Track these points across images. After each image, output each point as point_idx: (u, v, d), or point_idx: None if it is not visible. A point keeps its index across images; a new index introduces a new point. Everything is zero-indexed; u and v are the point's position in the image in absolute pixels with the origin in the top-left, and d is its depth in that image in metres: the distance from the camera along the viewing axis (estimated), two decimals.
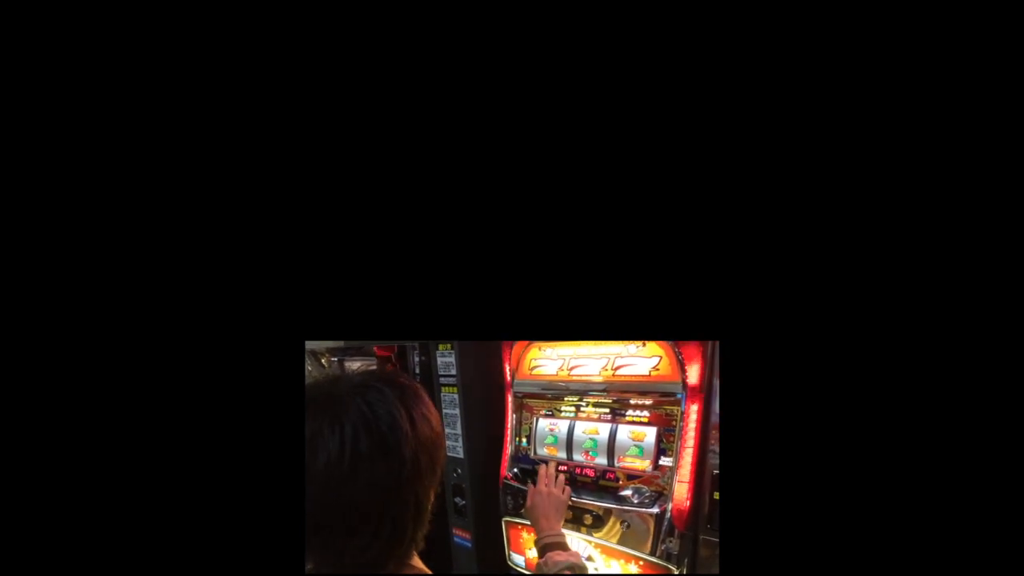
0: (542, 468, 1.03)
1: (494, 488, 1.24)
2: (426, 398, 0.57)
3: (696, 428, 0.90)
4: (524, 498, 1.13)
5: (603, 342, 1.05)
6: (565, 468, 1.11)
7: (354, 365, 1.89)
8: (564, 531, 1.00)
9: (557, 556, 0.84)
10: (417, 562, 0.57)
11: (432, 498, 0.57)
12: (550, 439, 1.17)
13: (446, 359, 1.42)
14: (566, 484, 1.00)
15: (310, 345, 1.99)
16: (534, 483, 1.00)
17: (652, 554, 0.92)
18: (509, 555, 1.22)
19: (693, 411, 0.91)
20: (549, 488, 0.97)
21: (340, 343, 1.95)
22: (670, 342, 0.94)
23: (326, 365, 2.05)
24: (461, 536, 1.40)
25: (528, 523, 1.12)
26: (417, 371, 1.58)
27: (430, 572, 0.57)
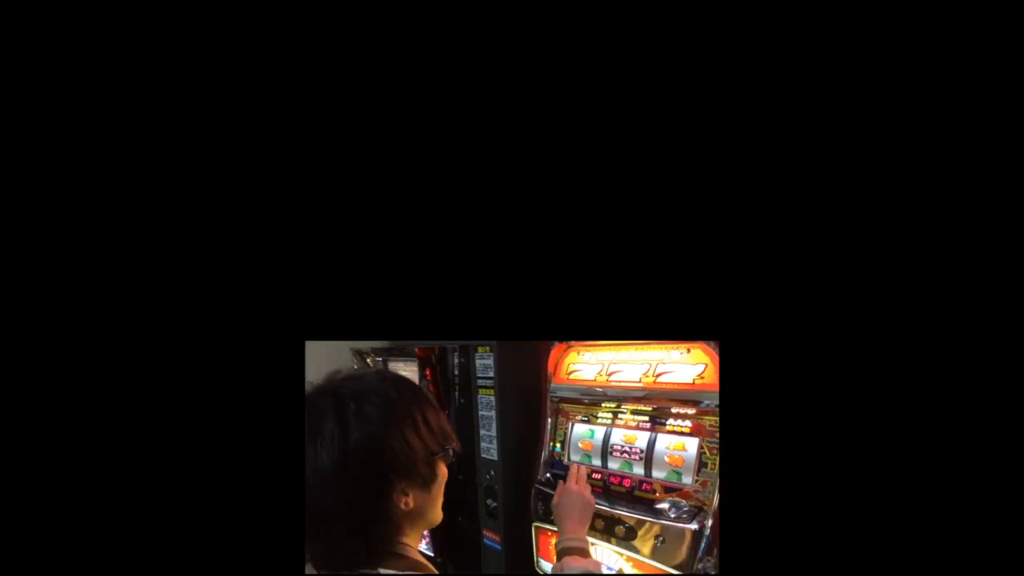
0: (574, 467, 1.00)
1: (526, 492, 1.21)
2: (430, 399, 0.60)
3: None
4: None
5: (645, 346, 1.01)
6: (599, 476, 1.08)
7: (397, 365, 1.92)
8: (595, 540, 0.97)
9: (573, 561, 0.80)
10: (415, 553, 0.58)
11: (437, 495, 0.59)
12: (584, 446, 1.14)
13: (484, 361, 1.42)
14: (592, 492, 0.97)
15: (355, 344, 2.05)
16: (564, 481, 0.97)
17: (688, 572, 0.87)
18: (537, 561, 1.19)
19: None
20: (580, 487, 0.93)
21: (385, 343, 1.99)
22: (715, 348, 0.90)
23: (371, 364, 2.10)
24: (491, 538, 1.38)
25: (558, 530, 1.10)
26: (456, 372, 1.59)
27: (427, 564, 0.58)
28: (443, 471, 0.59)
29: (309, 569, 0.57)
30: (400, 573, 0.54)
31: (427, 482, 0.57)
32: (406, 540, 0.57)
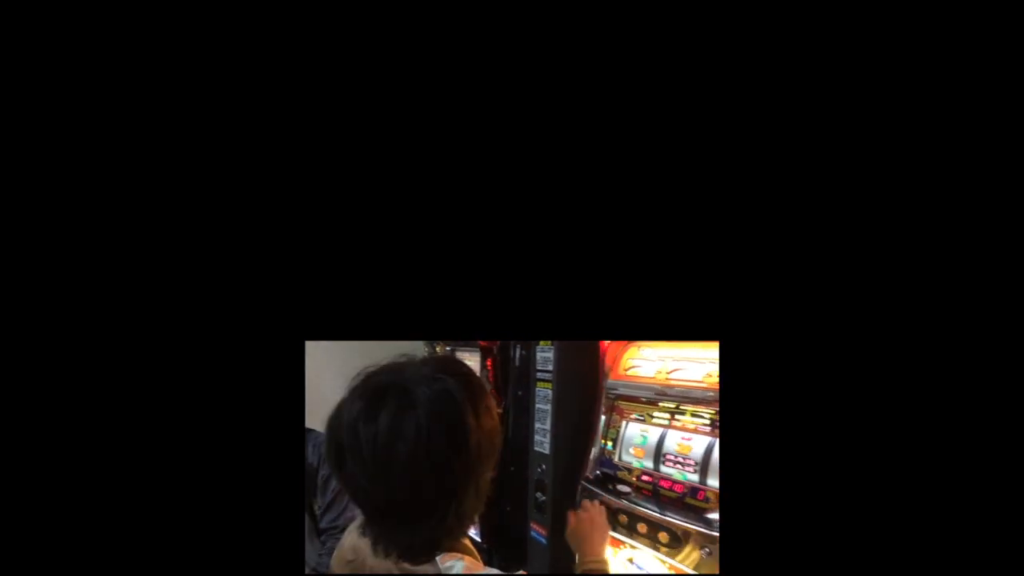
0: (586, 501, 1.01)
1: (575, 488, 1.19)
2: (487, 390, 0.58)
3: None
4: (601, 504, 1.07)
5: (708, 344, 0.95)
6: (649, 479, 1.02)
7: (463, 355, 1.97)
8: (637, 544, 0.92)
9: None
10: (467, 541, 0.58)
11: (489, 484, 0.58)
12: (639, 444, 1.09)
13: (545, 354, 1.41)
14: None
15: None
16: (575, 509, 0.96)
17: None
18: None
19: None
20: (592, 512, 0.94)
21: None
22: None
23: (439, 351, 2.18)
24: (538, 531, 1.36)
25: None
26: (517, 364, 1.59)
27: (474, 549, 0.58)
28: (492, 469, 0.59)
29: (309, 569, 0.58)
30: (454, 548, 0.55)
31: (482, 479, 0.56)
32: (466, 529, 0.58)
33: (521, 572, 0.53)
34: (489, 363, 1.70)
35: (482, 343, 1.72)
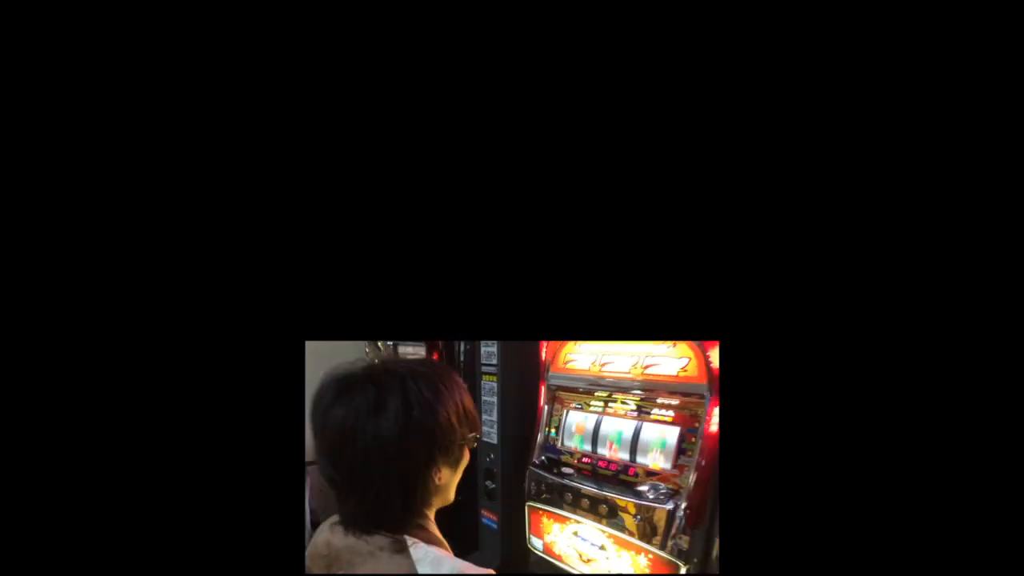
0: None
1: (522, 474, 1.29)
2: (462, 384, 0.65)
3: (717, 430, 0.91)
4: (546, 485, 1.18)
5: (635, 340, 1.08)
6: (589, 460, 1.15)
7: (406, 350, 2.01)
8: (581, 518, 1.03)
9: None
10: (434, 527, 0.64)
11: (457, 476, 0.65)
12: (577, 431, 1.21)
13: (488, 349, 1.50)
14: None
15: None
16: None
17: (662, 548, 0.94)
18: (529, 538, 1.26)
19: (716, 413, 0.92)
20: None
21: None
22: (698, 344, 0.95)
23: (381, 348, 2.20)
24: (489, 517, 1.46)
25: (549, 509, 1.17)
26: (463, 359, 1.67)
27: (445, 542, 0.64)
28: (467, 454, 0.66)
29: (308, 570, 0.61)
30: (425, 529, 0.60)
31: (456, 462, 0.64)
32: (429, 513, 0.64)
33: (491, 571, 0.59)
34: (435, 357, 1.76)
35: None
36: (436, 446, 0.60)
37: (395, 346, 2.11)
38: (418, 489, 0.60)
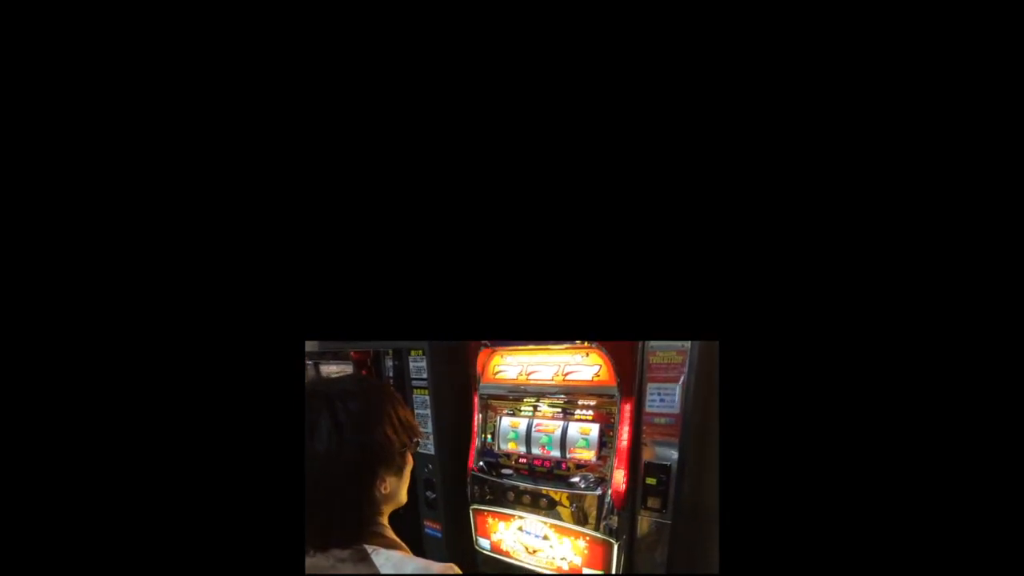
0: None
1: (462, 482, 1.38)
2: (399, 399, 0.70)
3: (629, 423, 1.07)
4: (489, 487, 1.28)
5: (554, 351, 1.20)
6: (525, 460, 1.27)
7: (330, 368, 1.99)
8: (523, 513, 1.15)
9: None
10: (391, 532, 0.69)
11: (405, 480, 0.70)
12: (512, 435, 1.33)
13: (418, 364, 1.55)
14: None
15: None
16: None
17: (596, 530, 1.09)
18: (476, 540, 1.37)
19: (627, 410, 1.08)
20: None
21: (315, 347, 2.03)
22: (606, 352, 1.10)
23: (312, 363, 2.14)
24: (432, 527, 1.54)
25: (493, 509, 1.28)
26: (391, 375, 1.70)
27: (403, 544, 0.69)
28: (410, 459, 0.71)
29: (309, 568, 0.63)
30: (383, 534, 0.64)
31: (400, 469, 0.69)
32: (382, 520, 0.69)
33: (451, 564, 0.66)
34: (364, 374, 1.77)
35: (354, 355, 1.77)
36: (375, 459, 0.65)
37: (316, 365, 2.07)
38: (365, 502, 0.65)
